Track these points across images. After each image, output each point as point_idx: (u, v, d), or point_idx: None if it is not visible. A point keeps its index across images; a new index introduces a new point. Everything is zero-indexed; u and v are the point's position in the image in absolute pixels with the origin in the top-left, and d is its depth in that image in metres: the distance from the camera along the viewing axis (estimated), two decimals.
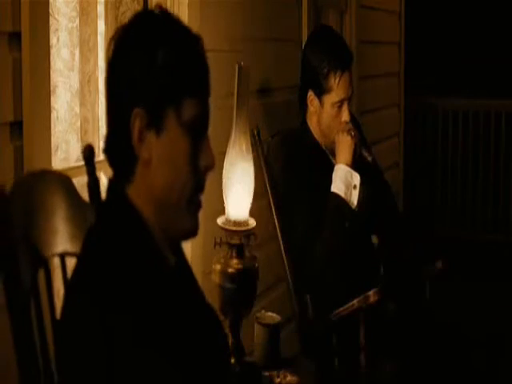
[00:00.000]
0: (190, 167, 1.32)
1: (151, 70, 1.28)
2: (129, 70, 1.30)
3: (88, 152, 1.40)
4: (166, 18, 1.35)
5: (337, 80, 2.71)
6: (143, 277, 1.27)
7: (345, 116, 2.74)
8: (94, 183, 1.60)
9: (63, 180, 1.66)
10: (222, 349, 1.47)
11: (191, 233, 1.37)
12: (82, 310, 1.22)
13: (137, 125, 1.28)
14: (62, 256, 1.61)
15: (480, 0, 7.02)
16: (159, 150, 1.30)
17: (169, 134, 1.30)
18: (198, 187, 1.35)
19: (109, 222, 1.33)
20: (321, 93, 2.74)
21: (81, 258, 1.32)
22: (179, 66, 1.30)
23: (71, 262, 1.46)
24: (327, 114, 2.75)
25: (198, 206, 1.36)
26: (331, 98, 2.73)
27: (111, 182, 1.36)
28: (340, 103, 2.74)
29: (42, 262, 1.56)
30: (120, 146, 1.31)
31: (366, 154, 2.76)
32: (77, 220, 1.61)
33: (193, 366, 1.32)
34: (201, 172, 1.34)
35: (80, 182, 1.83)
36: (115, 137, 1.32)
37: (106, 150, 1.35)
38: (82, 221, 1.60)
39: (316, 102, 2.77)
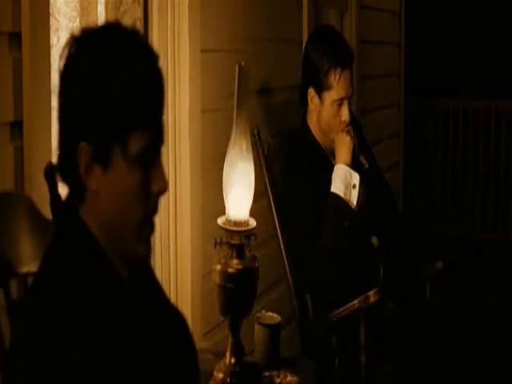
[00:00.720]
0: (139, 198, 1.28)
1: (94, 108, 1.24)
2: (73, 105, 1.27)
3: (49, 169, 1.38)
4: (112, 41, 1.27)
5: (337, 77, 2.71)
6: (91, 293, 1.26)
7: (344, 116, 2.74)
8: (55, 200, 1.60)
9: (25, 202, 1.67)
10: (189, 355, 1.45)
11: (142, 259, 1.35)
12: (33, 329, 1.22)
13: (83, 160, 1.26)
14: (25, 276, 1.60)
15: (480, 0, 7.01)
16: (107, 185, 1.27)
17: (115, 171, 1.26)
18: (150, 211, 1.32)
19: (60, 240, 1.33)
20: (321, 90, 2.74)
21: (35, 276, 1.34)
22: (124, 102, 1.25)
23: None
24: (327, 111, 2.75)
25: (151, 230, 1.33)
26: (331, 96, 2.73)
27: (65, 200, 1.35)
28: (340, 101, 2.74)
29: (3, 282, 1.57)
30: (69, 175, 1.31)
31: (363, 160, 2.74)
32: (40, 241, 1.61)
33: (155, 377, 1.31)
34: (153, 197, 1.31)
35: None
36: (64, 166, 1.31)
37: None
38: (45, 241, 1.56)
39: (316, 99, 2.77)
